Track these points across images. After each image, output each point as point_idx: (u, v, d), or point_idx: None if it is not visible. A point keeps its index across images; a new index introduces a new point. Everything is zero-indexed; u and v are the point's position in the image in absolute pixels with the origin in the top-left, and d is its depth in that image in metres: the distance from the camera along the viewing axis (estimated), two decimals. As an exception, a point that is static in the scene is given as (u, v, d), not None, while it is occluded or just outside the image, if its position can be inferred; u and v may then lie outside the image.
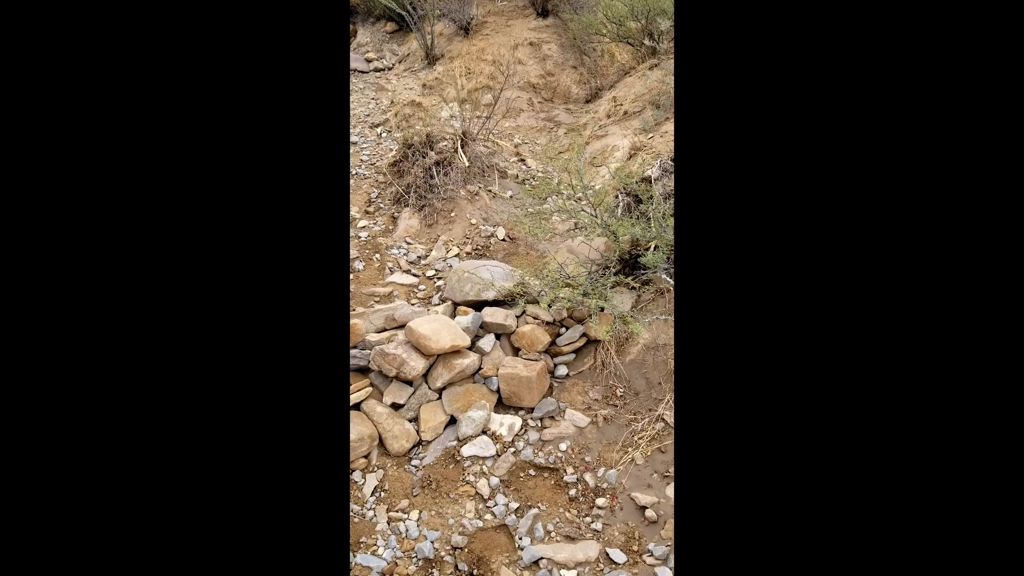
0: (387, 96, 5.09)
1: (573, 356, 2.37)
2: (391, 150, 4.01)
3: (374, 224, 3.24)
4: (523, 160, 3.87)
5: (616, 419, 2.15)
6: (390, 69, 6.01)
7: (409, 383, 2.21)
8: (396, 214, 3.27)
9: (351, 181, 3.66)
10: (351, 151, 4.07)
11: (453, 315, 2.44)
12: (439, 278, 2.88)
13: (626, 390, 2.21)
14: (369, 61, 6.05)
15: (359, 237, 3.11)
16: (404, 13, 5.29)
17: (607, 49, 4.78)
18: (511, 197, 3.45)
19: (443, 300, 2.67)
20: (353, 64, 5.98)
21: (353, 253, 2.93)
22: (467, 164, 3.27)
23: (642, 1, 4.04)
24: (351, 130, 4.47)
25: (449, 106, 4.68)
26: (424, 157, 3.29)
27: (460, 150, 3.30)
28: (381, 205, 3.38)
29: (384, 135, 4.35)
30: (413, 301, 2.71)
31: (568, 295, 2.24)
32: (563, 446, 2.09)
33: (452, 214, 3.20)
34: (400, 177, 3.38)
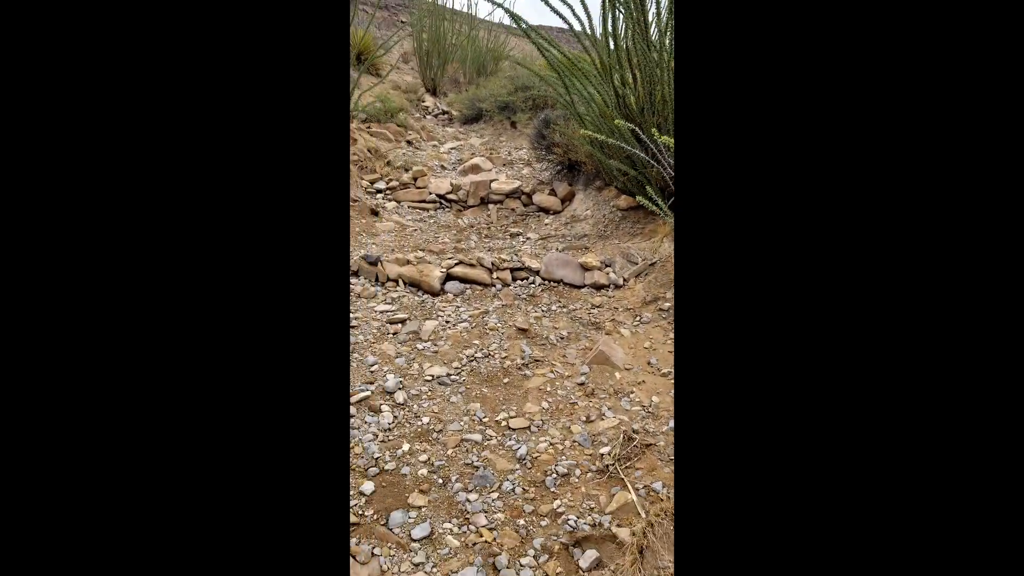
0: (612, 382, 2.37)
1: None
2: None
3: None
4: None
5: None
6: (619, 287, 3.34)
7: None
8: None
9: None
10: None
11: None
12: None
13: None
14: (587, 269, 3.43)
15: None
16: (657, 207, 2.63)
17: None
18: None
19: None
20: (557, 271, 3.41)
21: None
22: None
23: None
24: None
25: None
26: None
27: None
28: None
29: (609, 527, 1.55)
30: None
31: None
32: None
33: None
34: None
